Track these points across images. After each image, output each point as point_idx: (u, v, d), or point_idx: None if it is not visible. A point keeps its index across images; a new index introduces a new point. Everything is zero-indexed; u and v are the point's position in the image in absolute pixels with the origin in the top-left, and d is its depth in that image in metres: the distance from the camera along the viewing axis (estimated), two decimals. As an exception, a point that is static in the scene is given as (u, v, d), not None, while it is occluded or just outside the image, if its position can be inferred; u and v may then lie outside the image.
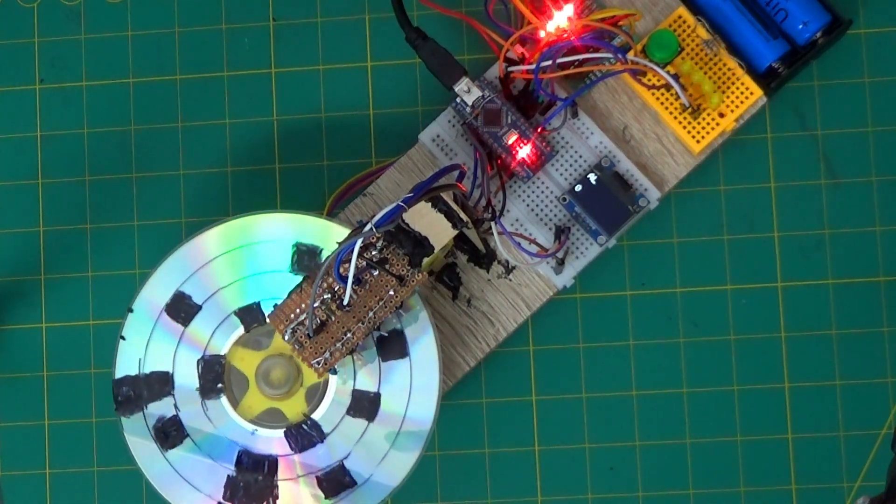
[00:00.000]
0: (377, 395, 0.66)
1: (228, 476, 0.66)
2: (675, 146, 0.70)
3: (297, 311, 0.64)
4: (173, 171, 0.73)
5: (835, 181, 0.71)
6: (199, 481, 0.66)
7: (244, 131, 0.73)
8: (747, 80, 0.69)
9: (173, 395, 0.67)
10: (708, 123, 0.69)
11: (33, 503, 0.71)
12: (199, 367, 0.67)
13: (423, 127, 0.70)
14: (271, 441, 0.67)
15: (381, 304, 0.64)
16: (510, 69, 0.68)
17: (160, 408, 0.67)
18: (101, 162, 0.73)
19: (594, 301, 0.71)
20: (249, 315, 0.67)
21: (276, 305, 0.65)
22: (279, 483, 0.66)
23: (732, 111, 0.69)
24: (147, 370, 0.67)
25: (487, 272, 0.69)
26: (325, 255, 0.66)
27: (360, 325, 0.64)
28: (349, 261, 0.63)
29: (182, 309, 0.67)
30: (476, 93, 0.67)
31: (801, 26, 0.69)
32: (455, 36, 0.72)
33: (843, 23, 0.69)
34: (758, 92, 0.69)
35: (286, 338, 0.64)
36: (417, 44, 0.67)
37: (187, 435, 0.66)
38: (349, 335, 0.64)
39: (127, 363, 0.67)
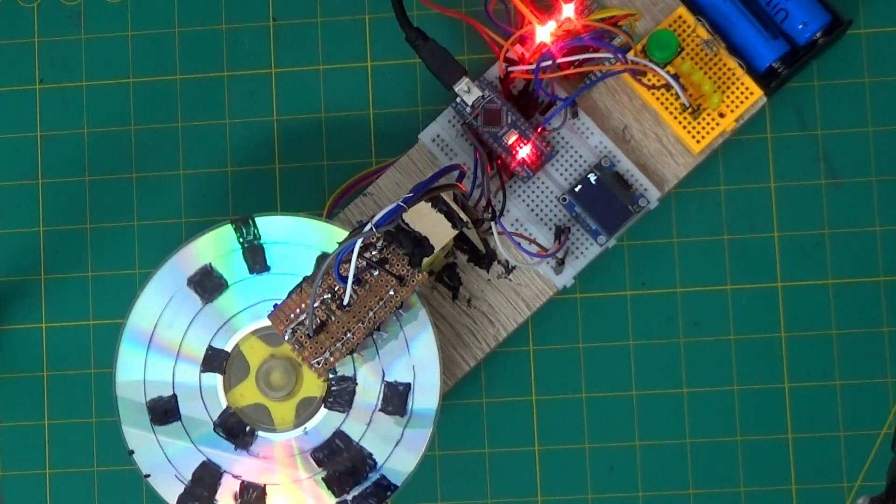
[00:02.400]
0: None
1: (323, 478, 0.66)
2: (675, 146, 0.70)
3: (297, 311, 0.64)
4: (173, 171, 0.73)
5: (835, 181, 0.71)
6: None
7: (244, 131, 0.73)
8: (747, 80, 0.69)
9: (226, 473, 0.66)
10: (708, 123, 0.69)
11: (33, 503, 0.71)
12: (217, 430, 0.67)
13: (423, 127, 0.70)
14: (323, 424, 0.66)
15: (381, 304, 0.64)
16: (510, 69, 0.68)
17: (226, 489, 0.66)
18: (101, 162, 0.73)
19: (594, 301, 0.71)
20: (213, 359, 0.67)
21: (276, 305, 0.65)
22: (361, 444, 0.66)
23: (732, 111, 0.69)
24: (188, 478, 0.66)
25: (487, 272, 0.69)
26: (216, 267, 0.66)
27: (360, 325, 0.64)
28: (349, 261, 0.63)
29: (161, 409, 0.67)
30: (476, 93, 0.67)
31: (801, 26, 0.69)
32: (455, 36, 0.72)
33: (843, 23, 0.69)
34: (758, 92, 0.69)
35: (286, 338, 0.64)
36: (417, 44, 0.67)
37: (264, 485, 0.66)
38: (349, 335, 0.64)
39: (167, 486, 0.66)
